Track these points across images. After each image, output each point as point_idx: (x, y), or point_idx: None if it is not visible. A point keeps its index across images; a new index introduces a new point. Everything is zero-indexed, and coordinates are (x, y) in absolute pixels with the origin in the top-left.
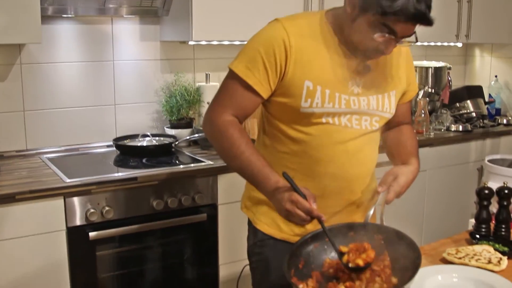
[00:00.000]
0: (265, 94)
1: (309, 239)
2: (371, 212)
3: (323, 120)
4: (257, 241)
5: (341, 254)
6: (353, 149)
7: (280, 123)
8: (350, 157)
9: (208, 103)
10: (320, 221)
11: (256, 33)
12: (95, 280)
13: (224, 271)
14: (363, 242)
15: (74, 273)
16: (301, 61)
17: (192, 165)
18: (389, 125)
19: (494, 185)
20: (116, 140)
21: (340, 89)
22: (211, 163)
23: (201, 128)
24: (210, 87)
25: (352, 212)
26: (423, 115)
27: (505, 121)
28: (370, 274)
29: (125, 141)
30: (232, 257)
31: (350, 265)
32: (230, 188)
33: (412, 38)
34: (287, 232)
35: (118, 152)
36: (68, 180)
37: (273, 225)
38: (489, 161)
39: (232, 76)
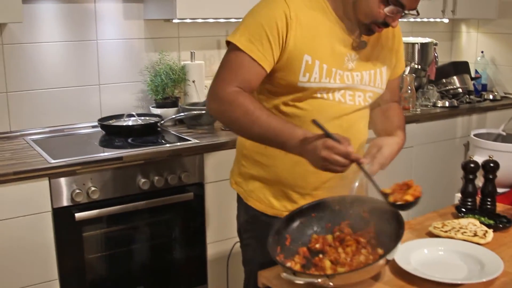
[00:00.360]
0: (268, 67)
1: (295, 215)
2: (356, 184)
3: (318, 95)
4: (248, 218)
5: (385, 195)
6: (347, 124)
7: (274, 97)
8: (343, 132)
9: (193, 81)
10: (359, 164)
11: (256, 6)
12: (82, 261)
13: (212, 249)
14: (348, 214)
15: (61, 255)
16: (302, 35)
17: (178, 144)
18: (378, 103)
19: (480, 159)
20: (101, 120)
21: (337, 64)
22: (198, 141)
23: (187, 107)
24: (195, 66)
25: (337, 185)
26: (409, 91)
27: (491, 97)
28: (356, 246)
29: (110, 121)
30: (220, 235)
31: (399, 203)
32: (217, 167)
33: (414, 11)
34: (279, 208)
35: (104, 132)
36: (52, 161)
37: (265, 202)
38: (475, 135)
39: (234, 50)
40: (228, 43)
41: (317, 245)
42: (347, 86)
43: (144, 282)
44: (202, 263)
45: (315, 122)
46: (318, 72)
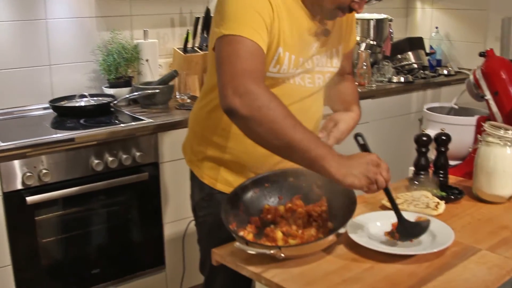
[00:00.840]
0: (265, 50)
1: (249, 185)
2: None
3: (282, 81)
4: (204, 195)
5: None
6: (306, 106)
7: None
8: (303, 114)
9: (147, 60)
10: (387, 187)
11: None
12: (36, 246)
13: (170, 230)
14: (301, 187)
15: (13, 240)
16: (279, 25)
17: (132, 123)
18: (332, 78)
19: (432, 132)
20: (53, 101)
21: (303, 53)
22: (152, 121)
23: (140, 86)
24: (149, 44)
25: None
26: (365, 67)
27: (445, 72)
28: (307, 219)
29: (62, 103)
30: (177, 215)
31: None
32: (172, 146)
33: None
34: (235, 186)
35: (55, 114)
36: (1, 144)
37: (221, 180)
38: (427, 109)
39: (236, 41)
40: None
41: (269, 216)
42: (307, 71)
43: (101, 265)
44: (160, 244)
45: (358, 136)
46: (287, 64)
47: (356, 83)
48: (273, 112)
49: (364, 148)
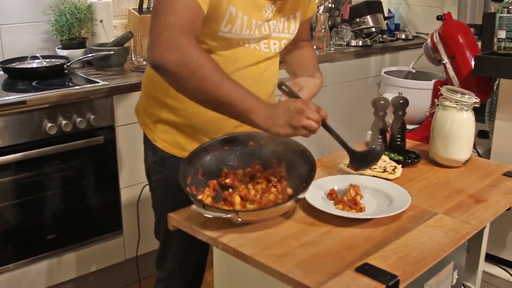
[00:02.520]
0: (205, 10)
1: (208, 147)
2: None
3: (236, 43)
4: (157, 159)
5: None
6: (261, 70)
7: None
8: (258, 77)
9: (101, 21)
10: (324, 122)
11: None
12: None
13: (126, 194)
14: (261, 151)
15: None
16: None
17: (86, 86)
18: (291, 44)
19: (390, 96)
20: (3, 63)
21: (256, 15)
22: (107, 83)
23: (95, 48)
24: (103, 4)
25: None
26: (323, 30)
27: (403, 36)
28: (266, 184)
29: (13, 64)
30: (134, 179)
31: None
32: (127, 109)
33: None
34: (189, 150)
35: (6, 76)
36: None
37: (175, 144)
38: (385, 73)
39: None
40: None
41: (227, 180)
42: (264, 36)
43: (57, 230)
44: (116, 209)
45: (282, 84)
46: (240, 24)
47: (315, 46)
48: (201, 68)
49: (291, 95)
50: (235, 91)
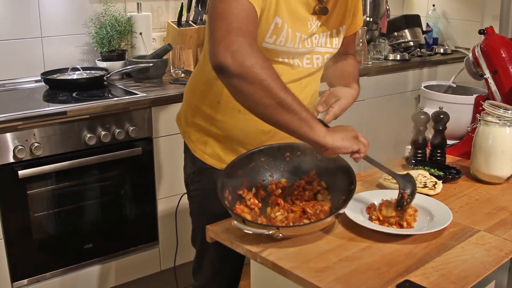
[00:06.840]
0: (259, 13)
1: (245, 158)
2: None
3: (279, 59)
4: (195, 169)
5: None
6: (303, 85)
7: None
8: (299, 92)
9: (140, 34)
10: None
11: None
12: (28, 220)
13: (163, 205)
14: (299, 163)
15: (4, 214)
16: None
17: (125, 97)
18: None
19: (430, 111)
20: (45, 74)
21: (301, 29)
22: (145, 95)
23: (134, 60)
24: (142, 17)
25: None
26: (361, 44)
27: (442, 50)
28: (300, 215)
29: (54, 75)
30: (171, 191)
31: None
32: (165, 121)
33: None
34: (227, 161)
35: (47, 87)
36: None
37: (213, 155)
38: (425, 87)
39: None
40: None
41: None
42: (307, 51)
43: (94, 240)
44: (153, 220)
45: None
46: (285, 35)
47: (357, 61)
48: (267, 71)
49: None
50: (297, 99)
